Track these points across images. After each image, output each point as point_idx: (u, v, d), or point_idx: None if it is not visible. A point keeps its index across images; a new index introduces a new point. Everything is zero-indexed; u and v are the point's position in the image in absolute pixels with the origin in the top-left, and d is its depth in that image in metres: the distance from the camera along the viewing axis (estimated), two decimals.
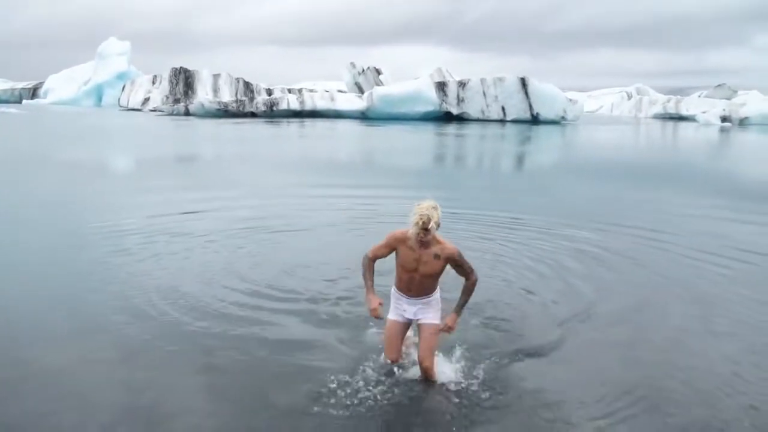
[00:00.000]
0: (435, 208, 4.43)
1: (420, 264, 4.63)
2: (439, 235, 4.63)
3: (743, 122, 71.18)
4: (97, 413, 4.48)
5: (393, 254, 4.85)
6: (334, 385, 4.85)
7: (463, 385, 4.93)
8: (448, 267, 4.82)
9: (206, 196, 13.53)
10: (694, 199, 15.11)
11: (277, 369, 5.20)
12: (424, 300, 4.84)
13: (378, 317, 4.83)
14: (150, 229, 9.97)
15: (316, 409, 4.56)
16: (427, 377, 4.87)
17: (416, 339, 5.22)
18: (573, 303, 6.97)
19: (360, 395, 4.73)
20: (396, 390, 4.86)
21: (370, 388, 4.84)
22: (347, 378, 4.97)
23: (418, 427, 4.47)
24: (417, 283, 4.74)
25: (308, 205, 12.53)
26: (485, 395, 4.81)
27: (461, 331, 5.64)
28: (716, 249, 9.50)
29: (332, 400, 4.66)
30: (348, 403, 4.63)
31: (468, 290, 4.82)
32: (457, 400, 4.76)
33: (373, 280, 4.85)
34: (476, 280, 4.83)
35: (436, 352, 5.00)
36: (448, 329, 4.86)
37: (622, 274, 8.15)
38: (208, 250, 8.81)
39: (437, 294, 4.92)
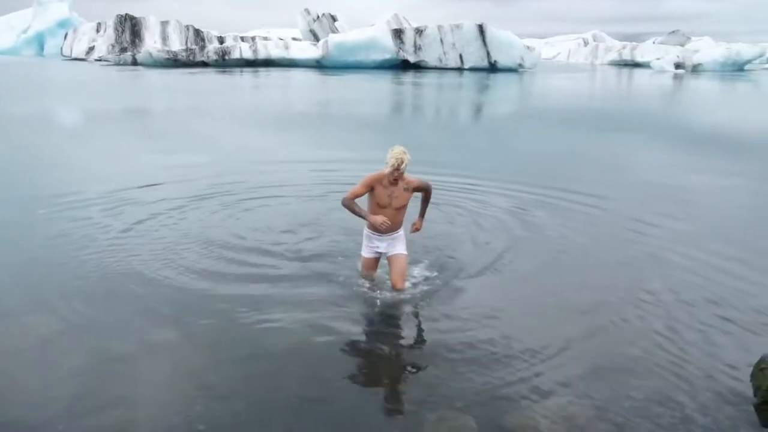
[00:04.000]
0: (404, 152, 5.46)
1: (392, 199, 5.62)
2: (406, 173, 5.60)
3: (696, 68, 72.30)
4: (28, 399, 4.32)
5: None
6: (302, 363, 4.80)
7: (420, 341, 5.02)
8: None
9: (166, 157, 13.07)
10: (645, 149, 15.39)
11: (233, 348, 5.10)
12: (393, 236, 5.86)
13: (385, 224, 5.54)
14: (109, 196, 9.32)
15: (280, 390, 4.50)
16: (399, 291, 5.90)
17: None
18: (517, 267, 6.98)
19: (315, 366, 4.73)
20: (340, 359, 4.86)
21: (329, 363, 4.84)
22: (303, 348, 4.94)
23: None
24: (390, 217, 5.61)
25: (270, 166, 12.07)
26: (444, 359, 4.85)
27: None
28: (661, 206, 9.72)
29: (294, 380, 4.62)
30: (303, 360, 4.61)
31: (426, 199, 6.02)
32: (418, 370, 4.81)
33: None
34: (430, 188, 5.98)
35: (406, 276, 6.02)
36: (416, 230, 6.08)
37: (569, 238, 8.22)
38: (171, 218, 8.41)
39: (402, 231, 5.92)
